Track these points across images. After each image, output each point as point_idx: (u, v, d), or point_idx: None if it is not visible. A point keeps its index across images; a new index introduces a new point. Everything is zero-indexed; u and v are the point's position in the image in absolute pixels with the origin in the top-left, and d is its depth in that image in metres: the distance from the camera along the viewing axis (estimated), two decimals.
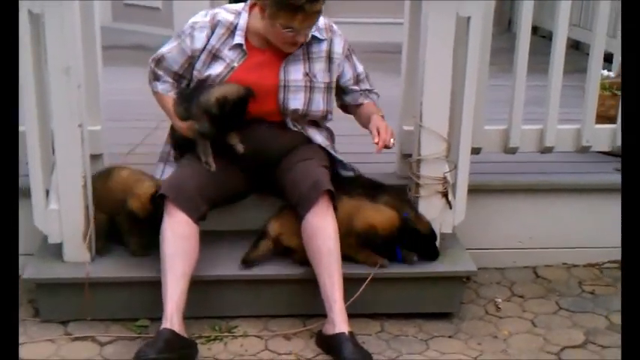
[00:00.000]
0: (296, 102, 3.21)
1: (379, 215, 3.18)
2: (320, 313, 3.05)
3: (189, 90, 3.24)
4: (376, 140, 3.12)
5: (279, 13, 3.00)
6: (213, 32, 3.17)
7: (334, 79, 3.30)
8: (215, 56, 3.18)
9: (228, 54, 3.18)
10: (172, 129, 3.33)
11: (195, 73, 3.20)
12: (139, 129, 4.12)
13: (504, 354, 3.09)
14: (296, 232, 3.12)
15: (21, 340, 3.02)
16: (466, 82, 3.18)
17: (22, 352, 2.96)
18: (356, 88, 3.36)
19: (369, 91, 3.40)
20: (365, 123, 3.33)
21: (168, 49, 3.23)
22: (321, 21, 3.22)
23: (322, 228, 3.03)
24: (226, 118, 3.07)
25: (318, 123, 3.37)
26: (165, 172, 3.32)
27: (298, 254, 3.15)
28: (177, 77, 3.26)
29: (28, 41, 2.93)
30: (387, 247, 3.19)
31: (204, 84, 3.17)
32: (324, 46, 3.25)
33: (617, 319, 3.34)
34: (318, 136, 3.33)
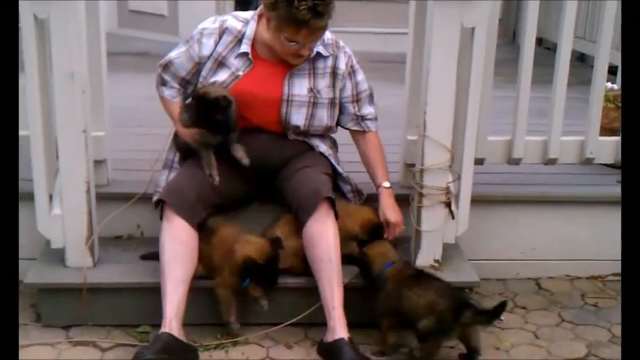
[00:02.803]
0: (298, 117, 3.21)
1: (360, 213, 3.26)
2: (322, 321, 3.04)
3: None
4: (386, 235, 3.21)
5: (284, 26, 3.00)
6: (220, 39, 3.17)
7: (338, 95, 3.29)
8: (221, 63, 3.18)
9: (234, 62, 3.18)
10: (176, 135, 3.34)
11: (200, 79, 3.20)
12: (143, 135, 4.13)
13: None
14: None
15: (22, 344, 3.03)
16: (470, 93, 3.19)
17: (24, 356, 2.96)
18: (350, 108, 3.31)
19: (362, 118, 3.33)
20: (367, 169, 3.37)
21: (176, 54, 3.24)
22: (328, 37, 3.22)
23: (322, 235, 3.04)
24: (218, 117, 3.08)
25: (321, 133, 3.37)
26: (170, 179, 3.31)
27: (294, 271, 3.19)
28: (184, 83, 3.26)
29: (33, 46, 2.94)
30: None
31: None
32: (330, 62, 3.24)
33: (619, 331, 3.33)
34: (321, 145, 3.33)
